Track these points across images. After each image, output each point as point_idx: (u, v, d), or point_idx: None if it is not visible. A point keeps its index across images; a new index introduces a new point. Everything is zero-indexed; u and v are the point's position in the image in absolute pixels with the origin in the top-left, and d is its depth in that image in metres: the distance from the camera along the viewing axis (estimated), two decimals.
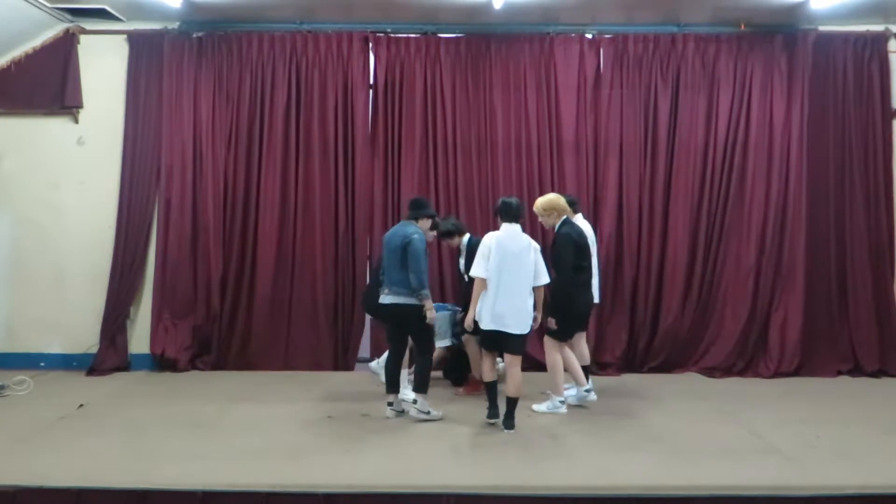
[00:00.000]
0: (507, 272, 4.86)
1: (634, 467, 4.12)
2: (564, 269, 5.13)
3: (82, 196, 6.90)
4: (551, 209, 5.32)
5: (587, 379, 5.50)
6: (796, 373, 6.60)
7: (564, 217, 5.33)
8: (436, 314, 5.12)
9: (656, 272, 6.83)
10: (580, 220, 5.82)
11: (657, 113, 6.82)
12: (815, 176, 6.80)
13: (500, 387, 5.06)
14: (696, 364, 6.74)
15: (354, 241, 6.84)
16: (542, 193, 6.73)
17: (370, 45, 6.86)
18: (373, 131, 6.88)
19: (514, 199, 5.12)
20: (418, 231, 5.13)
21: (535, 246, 5.01)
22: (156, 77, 6.82)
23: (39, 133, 6.91)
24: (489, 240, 4.96)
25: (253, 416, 5.19)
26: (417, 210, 5.29)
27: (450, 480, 3.93)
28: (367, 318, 6.89)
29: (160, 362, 6.70)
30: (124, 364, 6.73)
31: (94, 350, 6.69)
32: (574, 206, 5.80)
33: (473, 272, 4.93)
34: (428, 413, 5.03)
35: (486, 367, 5.05)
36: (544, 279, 4.99)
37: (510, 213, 5.02)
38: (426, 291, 4.97)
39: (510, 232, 4.98)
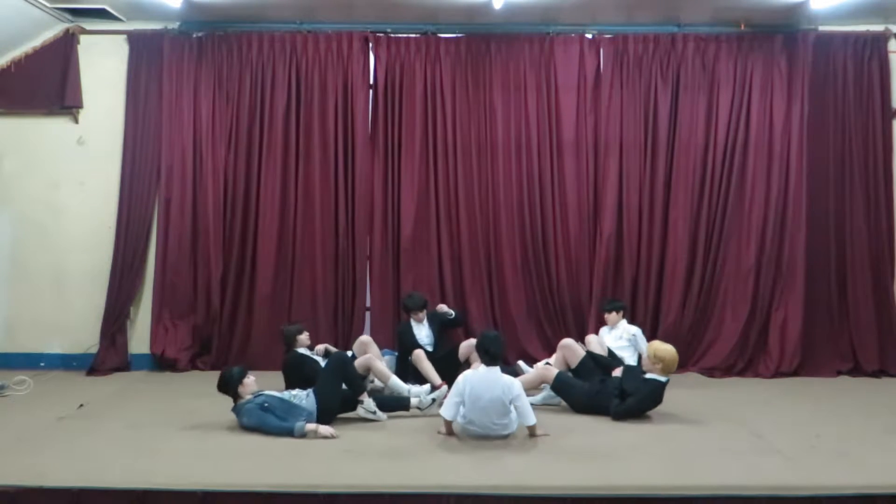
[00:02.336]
0: (479, 416, 4.59)
1: (634, 467, 4.11)
2: (630, 412, 5.02)
3: (82, 196, 6.90)
4: (658, 360, 5.03)
5: None
6: (796, 373, 6.60)
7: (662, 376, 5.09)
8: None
9: (656, 272, 6.84)
10: (625, 325, 6.21)
11: (657, 113, 6.82)
12: (815, 176, 6.80)
13: None
14: (696, 364, 6.74)
15: (354, 241, 6.84)
16: (541, 193, 6.82)
17: (370, 45, 6.87)
18: (373, 131, 6.89)
19: (497, 345, 4.70)
20: (244, 404, 4.76)
21: (515, 392, 4.55)
22: (156, 77, 6.82)
23: (39, 133, 6.91)
24: (464, 382, 4.59)
25: None
26: (225, 389, 4.86)
27: (450, 480, 3.92)
28: (368, 318, 6.92)
29: (160, 362, 6.70)
30: (124, 364, 6.74)
31: (94, 350, 6.70)
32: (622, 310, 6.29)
33: (443, 412, 4.62)
34: (374, 413, 5.00)
35: None
36: (529, 420, 4.57)
37: (490, 356, 4.62)
38: (297, 430, 4.57)
39: (486, 379, 4.57)
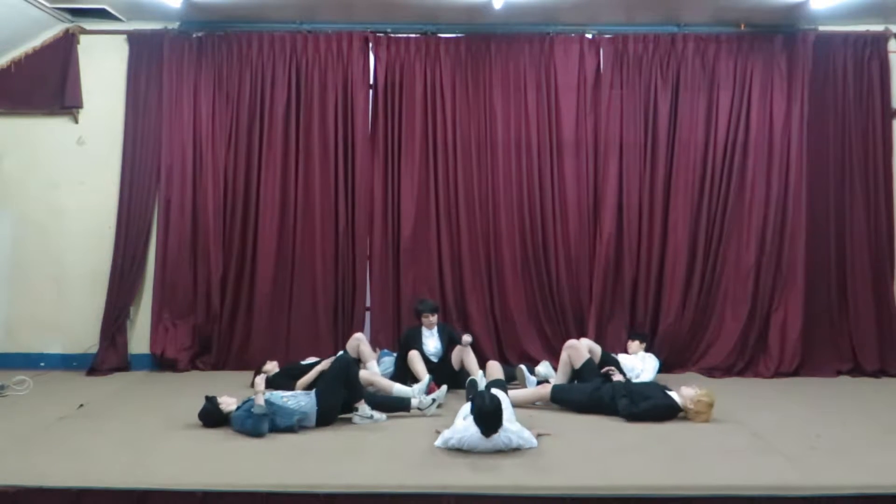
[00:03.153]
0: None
1: (634, 467, 4.11)
2: (643, 416, 5.01)
3: (82, 196, 6.89)
4: (695, 405, 5.00)
5: None
6: (796, 373, 6.60)
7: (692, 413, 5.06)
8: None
9: (656, 272, 6.83)
10: (644, 355, 6.23)
11: (657, 113, 6.81)
12: (815, 176, 6.80)
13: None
14: (696, 364, 6.74)
15: (354, 241, 6.84)
16: (542, 193, 6.82)
17: (370, 45, 6.86)
18: (373, 131, 6.88)
19: (496, 418, 4.28)
20: (233, 413, 4.81)
21: (513, 444, 4.36)
22: (156, 77, 6.81)
23: (39, 133, 6.90)
24: (459, 442, 4.37)
25: None
26: (215, 422, 4.86)
27: (450, 480, 3.92)
28: (367, 319, 6.92)
29: (160, 362, 6.70)
30: (124, 364, 6.73)
31: (94, 350, 6.69)
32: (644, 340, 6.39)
33: (438, 444, 4.46)
34: (370, 418, 5.01)
35: None
36: (532, 445, 4.45)
37: (487, 428, 4.30)
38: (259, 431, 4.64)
39: (483, 444, 4.34)
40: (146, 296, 6.87)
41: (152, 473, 3.99)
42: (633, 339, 6.44)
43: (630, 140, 6.82)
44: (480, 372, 5.68)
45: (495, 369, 5.52)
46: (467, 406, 4.69)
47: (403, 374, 5.87)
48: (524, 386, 5.81)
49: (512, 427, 4.44)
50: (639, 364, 6.10)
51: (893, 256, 6.86)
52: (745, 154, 6.78)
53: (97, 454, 4.33)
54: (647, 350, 6.36)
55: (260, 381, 4.94)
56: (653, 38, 6.82)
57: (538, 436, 4.56)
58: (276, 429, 4.70)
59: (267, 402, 4.77)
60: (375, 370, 5.88)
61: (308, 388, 5.28)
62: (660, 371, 6.67)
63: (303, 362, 6.02)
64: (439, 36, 6.88)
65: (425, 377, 5.62)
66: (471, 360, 5.87)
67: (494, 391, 4.89)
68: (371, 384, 5.45)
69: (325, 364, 5.70)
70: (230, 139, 6.84)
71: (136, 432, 4.76)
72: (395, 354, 6.25)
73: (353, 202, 6.84)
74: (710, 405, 5.03)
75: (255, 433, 4.62)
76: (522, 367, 6.04)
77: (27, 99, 6.86)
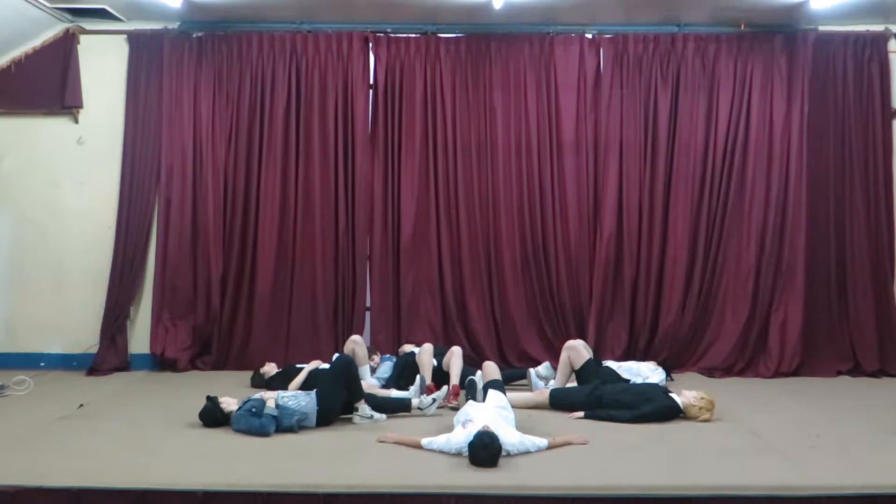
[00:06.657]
0: None
1: (634, 467, 4.11)
2: (646, 418, 4.99)
3: (82, 196, 6.90)
4: (699, 403, 5.04)
5: None
6: (796, 373, 6.60)
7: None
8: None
9: (656, 272, 6.83)
10: (657, 367, 6.14)
11: (657, 113, 6.81)
12: (815, 176, 6.80)
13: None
14: (696, 364, 6.74)
15: (354, 241, 6.84)
16: (542, 193, 6.82)
17: (370, 45, 6.87)
18: (373, 131, 6.88)
19: (491, 461, 4.08)
20: (234, 413, 4.80)
21: (514, 453, 4.26)
22: (156, 77, 6.81)
23: (39, 133, 6.91)
24: (455, 448, 4.28)
25: None
26: (216, 422, 4.86)
27: (450, 480, 3.92)
28: (367, 318, 6.92)
29: (160, 362, 6.70)
30: (124, 364, 6.73)
31: (94, 350, 6.69)
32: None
33: (433, 445, 4.40)
34: (371, 418, 4.99)
35: None
36: (540, 447, 4.39)
37: (482, 466, 4.09)
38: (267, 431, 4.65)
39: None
40: (146, 296, 6.87)
41: (152, 473, 3.99)
42: (650, 360, 6.34)
43: (630, 140, 6.82)
44: (479, 372, 5.68)
45: (492, 370, 5.50)
46: (465, 410, 4.68)
47: (400, 379, 5.86)
48: (532, 389, 5.78)
49: (511, 441, 4.29)
50: (646, 370, 6.06)
51: (893, 256, 6.85)
52: (745, 154, 6.78)
53: (97, 454, 4.32)
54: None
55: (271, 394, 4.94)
56: (653, 38, 6.83)
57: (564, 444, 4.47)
58: (276, 428, 4.70)
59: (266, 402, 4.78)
60: (367, 376, 5.86)
61: (301, 388, 5.28)
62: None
63: (299, 365, 6.01)
64: (439, 36, 6.88)
65: (427, 376, 5.60)
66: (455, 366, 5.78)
67: (493, 392, 4.89)
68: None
69: (313, 365, 5.71)
70: (230, 139, 6.84)
71: (136, 432, 4.76)
72: (394, 359, 6.22)
73: (353, 202, 6.84)
74: (712, 404, 5.06)
75: (263, 433, 4.62)
76: (532, 370, 5.97)
77: (27, 99, 6.85)
